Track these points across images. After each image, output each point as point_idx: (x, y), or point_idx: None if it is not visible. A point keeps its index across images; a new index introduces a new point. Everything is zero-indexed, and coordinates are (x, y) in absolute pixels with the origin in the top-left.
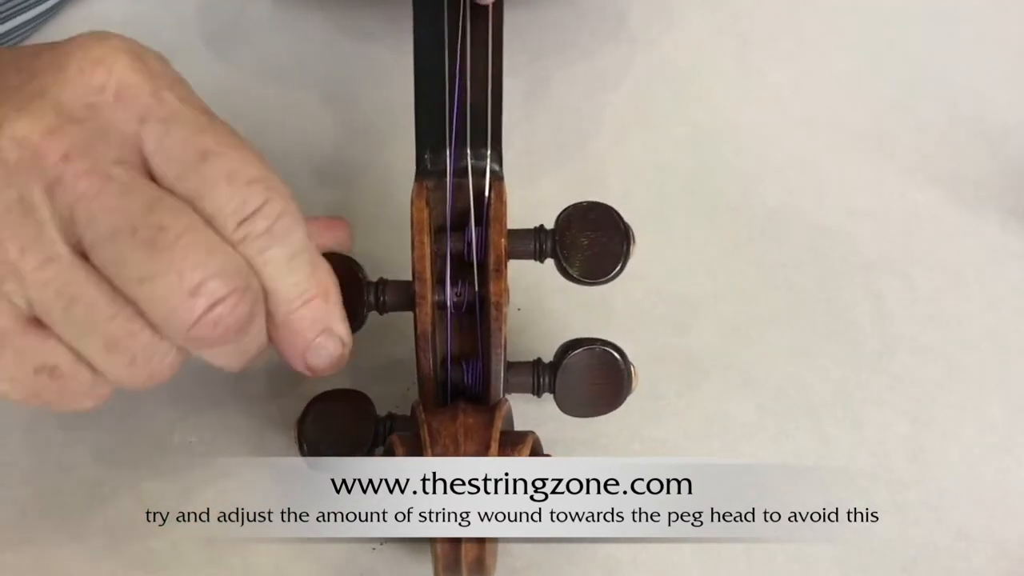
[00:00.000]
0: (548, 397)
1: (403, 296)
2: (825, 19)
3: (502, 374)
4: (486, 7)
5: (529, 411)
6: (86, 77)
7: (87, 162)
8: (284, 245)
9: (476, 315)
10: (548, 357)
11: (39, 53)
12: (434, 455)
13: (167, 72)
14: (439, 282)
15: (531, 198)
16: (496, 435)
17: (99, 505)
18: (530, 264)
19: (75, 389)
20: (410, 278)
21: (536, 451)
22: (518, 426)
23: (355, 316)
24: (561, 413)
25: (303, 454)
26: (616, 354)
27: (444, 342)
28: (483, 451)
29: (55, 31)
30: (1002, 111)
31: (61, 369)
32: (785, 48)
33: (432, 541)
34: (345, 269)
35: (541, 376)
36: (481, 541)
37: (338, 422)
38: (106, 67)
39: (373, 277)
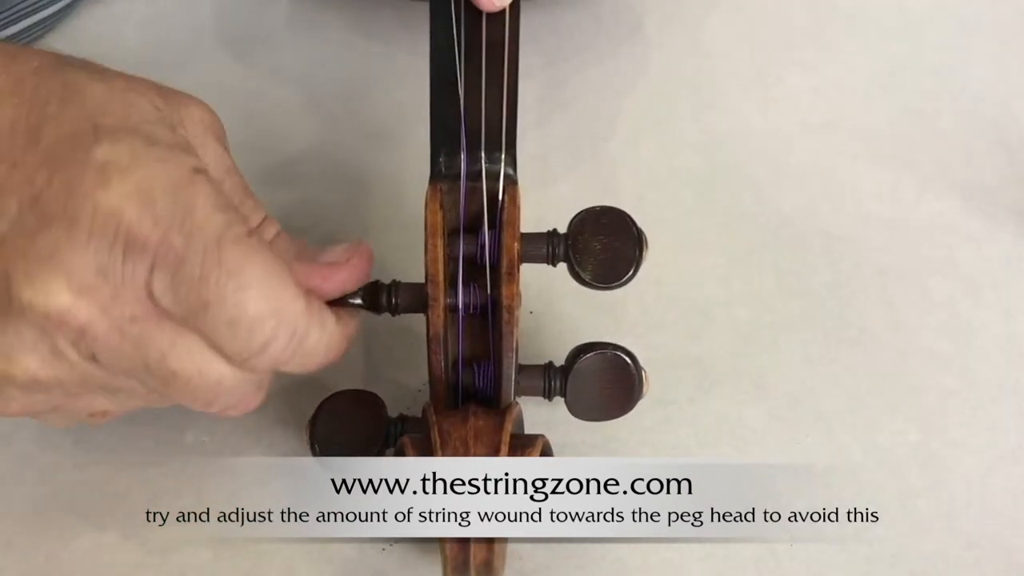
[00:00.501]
0: (559, 401)
1: (416, 298)
2: (845, 25)
3: (513, 377)
4: (502, 11)
5: (540, 414)
6: (96, 239)
7: (103, 326)
8: (293, 363)
9: (488, 318)
10: (560, 361)
11: (54, 171)
12: (444, 457)
13: (177, 206)
14: (452, 285)
15: (544, 202)
16: (506, 438)
17: (112, 501)
18: (543, 268)
19: (117, 415)
20: (423, 280)
21: (546, 454)
22: (528, 429)
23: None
24: (572, 417)
25: (315, 454)
26: (627, 359)
27: (456, 344)
28: (493, 454)
29: (73, 28)
30: (1021, 119)
31: (110, 412)
32: (803, 54)
33: (441, 542)
34: None
35: (552, 380)
36: (490, 543)
37: (349, 423)
38: (115, 221)
39: (386, 279)
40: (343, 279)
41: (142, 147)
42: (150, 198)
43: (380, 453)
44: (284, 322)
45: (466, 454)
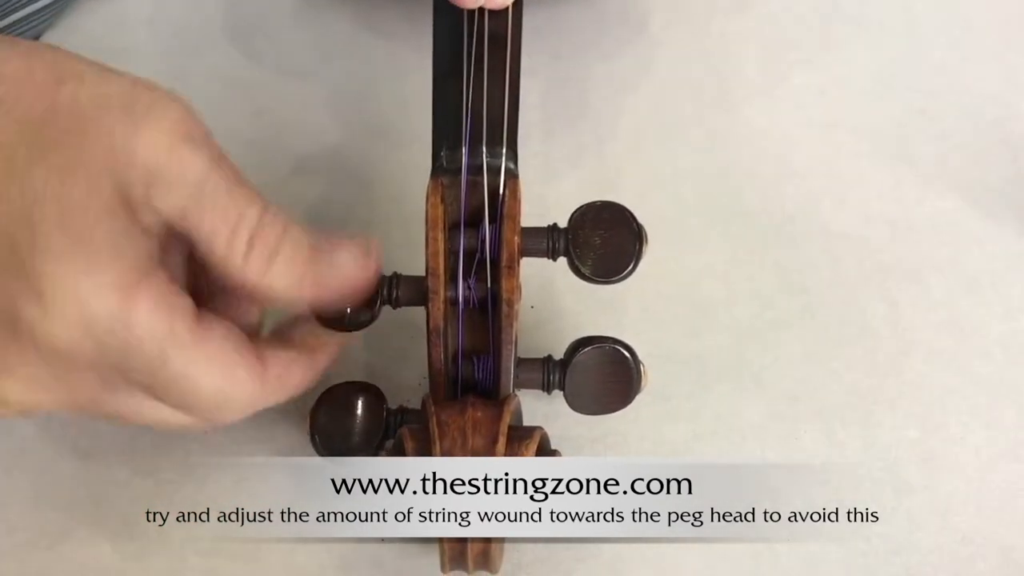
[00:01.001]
0: (558, 394)
1: (416, 291)
2: (848, 25)
3: (512, 370)
4: (505, 8)
5: (539, 408)
6: (39, 358)
7: (61, 404)
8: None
9: (488, 311)
10: (559, 355)
11: (15, 274)
12: (442, 448)
13: (116, 327)
14: (452, 278)
15: (546, 198)
16: (504, 429)
17: (114, 491)
18: (544, 262)
19: None
20: (424, 274)
21: (543, 447)
22: (527, 422)
23: (368, 310)
24: (571, 410)
25: (315, 445)
26: (626, 353)
27: (456, 337)
28: (490, 445)
29: (79, 24)
30: None
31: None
32: (808, 53)
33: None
34: None
35: (551, 373)
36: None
37: (350, 414)
38: (55, 347)
39: (387, 272)
40: (366, 267)
41: (75, 271)
42: (88, 326)
43: (380, 444)
44: (239, 402)
45: (464, 444)
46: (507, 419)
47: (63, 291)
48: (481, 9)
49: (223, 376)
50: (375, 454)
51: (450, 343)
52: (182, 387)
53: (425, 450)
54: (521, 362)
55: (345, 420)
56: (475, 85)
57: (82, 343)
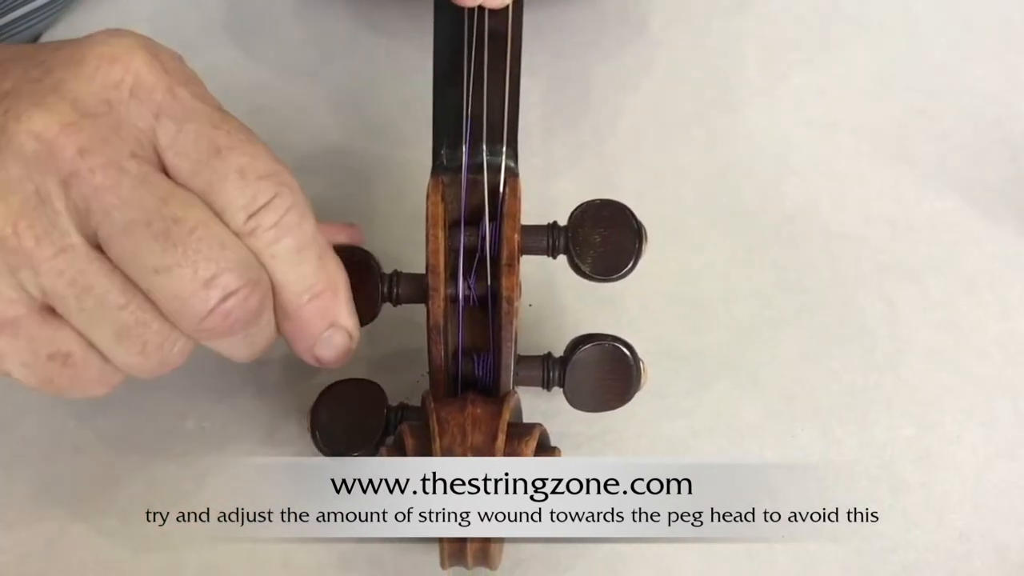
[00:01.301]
0: (558, 391)
1: (417, 289)
2: (849, 25)
3: (512, 367)
4: (505, 7)
5: (538, 405)
6: (103, 73)
7: (102, 156)
8: (292, 238)
9: (488, 309)
10: (559, 352)
11: (59, 47)
12: (442, 444)
13: (182, 70)
14: (452, 276)
15: (547, 196)
16: (503, 426)
17: (112, 487)
18: (544, 260)
19: (86, 376)
20: (424, 271)
21: (543, 443)
22: (527, 419)
23: (369, 307)
24: (570, 408)
25: (315, 442)
26: (626, 350)
27: (456, 335)
28: (490, 442)
29: (80, 22)
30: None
31: (73, 357)
32: (808, 53)
33: None
34: (360, 261)
35: (551, 370)
36: None
37: (350, 411)
38: (123, 64)
39: (388, 269)
40: (349, 236)
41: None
42: (157, 55)
43: (380, 441)
44: (286, 188)
45: (463, 441)
46: (507, 416)
47: (134, 34)
48: (481, 8)
49: (276, 160)
50: (375, 451)
51: (450, 340)
52: (241, 151)
53: (425, 447)
54: (521, 359)
55: (345, 416)
56: (475, 84)
57: (151, 66)
